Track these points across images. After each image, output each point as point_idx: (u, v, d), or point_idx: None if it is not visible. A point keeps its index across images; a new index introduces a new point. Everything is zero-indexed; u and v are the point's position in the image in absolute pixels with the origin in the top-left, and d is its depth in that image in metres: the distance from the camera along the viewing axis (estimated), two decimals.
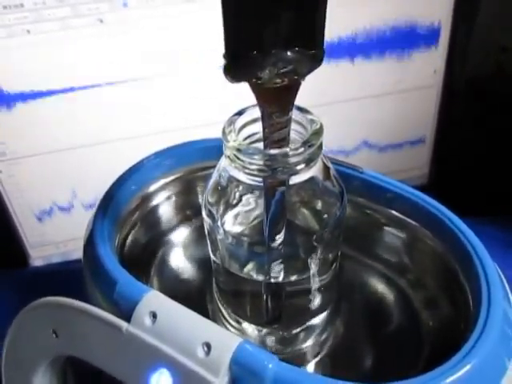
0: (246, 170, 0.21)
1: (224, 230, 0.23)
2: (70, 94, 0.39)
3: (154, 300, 0.21)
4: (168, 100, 0.41)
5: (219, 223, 0.23)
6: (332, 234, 0.23)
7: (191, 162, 0.31)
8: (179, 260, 0.31)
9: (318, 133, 0.21)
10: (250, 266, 0.24)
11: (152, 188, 0.30)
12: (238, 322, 0.26)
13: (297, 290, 0.25)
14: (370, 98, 0.46)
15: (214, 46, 0.39)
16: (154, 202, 0.31)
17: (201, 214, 0.24)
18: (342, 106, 0.45)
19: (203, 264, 0.30)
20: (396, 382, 0.18)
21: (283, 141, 0.20)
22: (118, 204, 0.28)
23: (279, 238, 0.23)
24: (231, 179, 0.22)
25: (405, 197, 0.27)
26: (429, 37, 0.44)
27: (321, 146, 0.21)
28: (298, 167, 0.21)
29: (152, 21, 0.38)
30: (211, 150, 0.30)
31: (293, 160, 0.20)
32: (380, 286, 0.28)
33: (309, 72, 0.18)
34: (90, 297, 0.25)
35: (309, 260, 0.23)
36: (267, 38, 0.17)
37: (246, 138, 0.22)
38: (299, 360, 0.26)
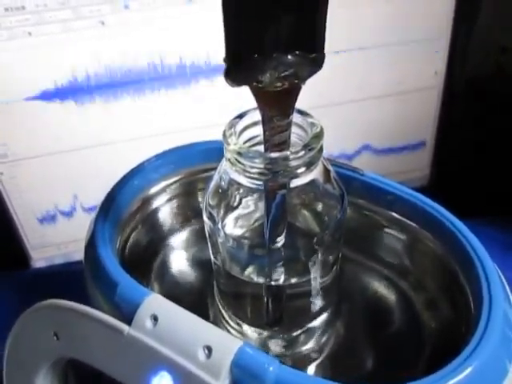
0: (247, 174, 0.21)
1: (225, 232, 0.23)
2: (72, 95, 0.39)
3: (155, 303, 0.21)
4: (169, 101, 0.41)
5: (220, 226, 0.23)
6: (333, 237, 0.23)
7: (192, 164, 0.31)
8: (180, 262, 0.31)
9: (319, 136, 0.21)
10: (250, 269, 0.24)
11: (153, 190, 0.30)
12: (239, 325, 0.26)
13: (297, 293, 0.25)
14: (370, 100, 0.46)
15: (214, 46, 0.39)
16: (155, 205, 0.31)
17: (201, 216, 0.24)
18: (342, 107, 0.45)
19: (204, 266, 0.30)
20: None
21: (284, 144, 0.20)
22: (119, 206, 0.28)
23: (280, 240, 0.23)
24: (232, 182, 0.22)
25: (405, 199, 0.27)
26: (430, 38, 0.44)
27: (321, 149, 0.21)
28: (299, 170, 0.21)
29: (153, 22, 0.38)
30: (212, 152, 0.30)
31: (293, 163, 0.20)
32: (380, 288, 0.28)
33: (309, 76, 0.18)
34: (90, 299, 0.25)
35: (309, 262, 0.23)
36: (268, 42, 0.17)
37: (246, 141, 0.22)
38: (300, 362, 0.26)
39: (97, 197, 0.43)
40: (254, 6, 0.16)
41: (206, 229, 0.24)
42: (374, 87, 0.45)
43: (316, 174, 0.22)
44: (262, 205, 0.22)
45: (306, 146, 0.21)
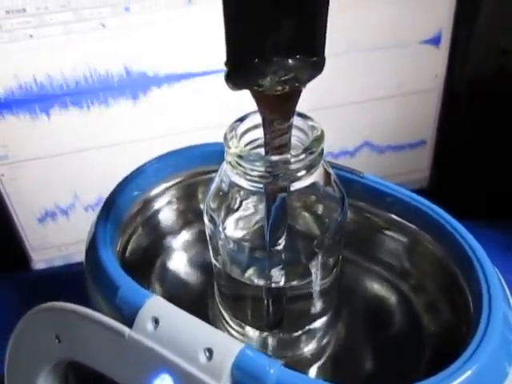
0: (248, 177, 0.21)
1: (225, 234, 0.23)
2: (72, 97, 0.39)
3: (156, 305, 0.21)
4: (169, 103, 0.41)
5: (220, 228, 0.23)
6: (333, 239, 0.23)
7: (192, 167, 0.31)
8: (180, 264, 0.31)
9: (319, 139, 0.21)
10: (251, 271, 0.24)
11: (153, 192, 0.31)
12: (240, 326, 0.26)
13: (298, 295, 0.25)
14: (371, 102, 0.46)
15: (214, 48, 0.39)
16: (156, 207, 0.31)
17: (202, 218, 0.24)
18: (343, 109, 0.46)
19: (204, 268, 0.30)
20: None
21: (284, 147, 0.20)
22: (119, 209, 0.28)
23: (280, 243, 0.23)
24: (232, 184, 0.22)
25: (404, 201, 0.27)
26: (430, 41, 0.44)
27: (322, 153, 0.21)
28: (299, 174, 0.21)
29: (154, 25, 0.38)
30: (212, 154, 0.30)
31: (294, 166, 0.20)
32: (381, 290, 0.28)
33: (310, 79, 0.19)
34: (91, 301, 0.25)
35: (310, 265, 0.23)
36: (269, 46, 0.17)
37: (247, 144, 0.23)
38: (300, 364, 0.26)
39: (97, 198, 0.44)
40: (255, 11, 0.16)
41: (207, 231, 0.24)
42: (374, 89, 0.46)
43: (316, 176, 0.22)
44: (262, 207, 0.22)
45: (307, 150, 0.21)
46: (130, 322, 0.20)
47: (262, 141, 0.21)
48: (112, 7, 0.36)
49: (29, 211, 0.42)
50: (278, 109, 0.19)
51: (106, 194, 0.27)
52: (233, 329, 0.26)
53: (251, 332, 0.26)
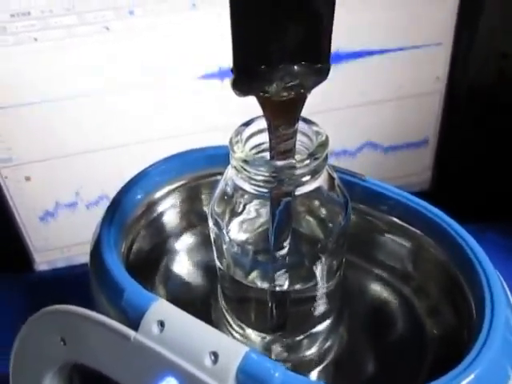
0: (252, 181, 0.21)
1: (229, 238, 0.23)
2: (76, 100, 0.39)
3: (161, 309, 0.21)
4: (173, 106, 0.42)
5: (225, 231, 0.23)
6: (337, 243, 0.24)
7: (196, 170, 0.31)
8: (184, 266, 0.31)
9: (324, 145, 0.21)
10: (254, 274, 0.24)
11: (157, 195, 0.31)
12: (242, 328, 0.26)
13: (301, 298, 0.25)
14: (373, 104, 0.46)
15: (218, 51, 0.39)
16: (159, 209, 0.31)
17: (206, 220, 0.24)
18: (344, 112, 0.46)
19: (208, 270, 0.30)
20: None
21: (289, 152, 0.21)
22: (124, 211, 0.28)
23: (284, 246, 0.23)
24: (237, 188, 0.23)
25: (406, 204, 0.27)
26: (433, 45, 0.45)
27: (326, 158, 0.21)
28: (304, 179, 0.21)
29: (158, 28, 0.38)
30: (216, 157, 0.30)
31: (299, 172, 0.21)
32: (383, 294, 0.29)
33: (315, 85, 0.19)
34: (95, 303, 0.25)
35: (313, 268, 0.24)
36: (275, 53, 0.17)
37: (252, 148, 0.23)
38: (303, 367, 0.26)
39: (100, 200, 0.44)
40: (261, 19, 0.17)
41: (212, 234, 0.24)
42: (376, 92, 0.46)
43: (321, 181, 0.22)
44: (266, 211, 0.23)
45: (312, 155, 0.21)
46: (135, 325, 0.21)
47: (267, 145, 0.21)
48: (116, 10, 0.36)
49: (32, 213, 0.43)
50: (283, 114, 0.20)
51: (109, 195, 0.27)
52: (236, 331, 0.26)
53: (254, 335, 0.26)
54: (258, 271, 0.24)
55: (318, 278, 0.24)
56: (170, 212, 0.31)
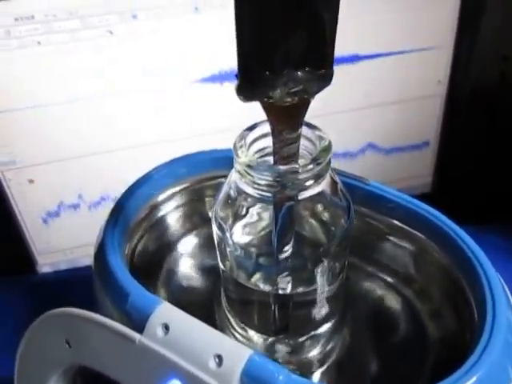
0: (256, 186, 0.21)
1: (233, 241, 0.24)
2: (78, 103, 0.39)
3: (166, 312, 0.21)
4: (176, 109, 0.42)
5: (228, 234, 0.24)
6: (339, 246, 0.24)
7: (199, 172, 0.32)
8: (187, 268, 0.31)
9: (327, 150, 0.21)
10: (257, 277, 0.25)
11: (161, 197, 0.31)
12: (245, 330, 0.26)
13: (304, 301, 0.25)
14: (374, 107, 0.46)
15: (220, 55, 0.40)
16: (163, 212, 0.31)
17: (209, 222, 0.25)
18: (346, 114, 0.46)
19: (210, 272, 0.30)
20: None
21: (292, 156, 0.21)
22: (127, 214, 0.28)
23: (287, 250, 0.23)
24: (240, 192, 0.23)
25: (409, 207, 0.27)
26: (434, 48, 0.45)
27: (329, 163, 0.22)
28: (307, 183, 0.21)
29: (161, 32, 0.38)
30: (219, 160, 0.31)
31: (302, 176, 0.21)
32: (385, 296, 0.29)
33: (318, 91, 0.19)
34: (99, 306, 0.25)
35: (316, 271, 0.24)
36: (279, 59, 0.17)
37: (256, 152, 0.23)
38: (305, 369, 0.26)
39: (102, 203, 0.44)
40: (266, 26, 0.17)
41: (215, 237, 0.25)
42: (378, 95, 0.46)
43: (324, 185, 0.22)
44: (270, 214, 0.23)
45: (315, 160, 0.21)
46: (139, 328, 0.21)
47: (271, 149, 0.22)
48: (119, 14, 0.36)
49: (35, 215, 0.43)
50: (287, 119, 0.20)
51: (111, 197, 0.28)
52: (238, 333, 0.27)
53: (256, 336, 0.26)
54: (261, 274, 0.24)
55: (321, 281, 0.24)
56: (173, 214, 0.32)
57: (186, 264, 0.31)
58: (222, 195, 0.24)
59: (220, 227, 0.24)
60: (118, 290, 0.23)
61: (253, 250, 0.24)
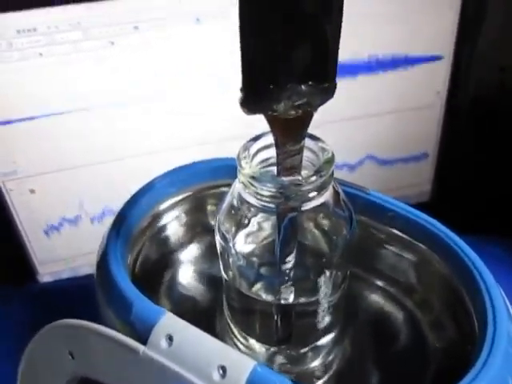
0: (259, 196, 0.21)
1: (235, 250, 0.24)
2: (79, 113, 0.39)
3: (170, 323, 0.21)
4: (177, 118, 0.42)
5: (231, 244, 0.24)
6: (341, 257, 0.24)
7: (201, 181, 0.32)
8: (189, 277, 0.31)
9: (330, 162, 0.21)
10: (260, 287, 0.25)
11: (162, 207, 0.31)
12: (247, 340, 0.26)
13: (306, 311, 0.25)
14: (374, 117, 0.47)
15: (222, 64, 0.40)
16: (165, 221, 0.31)
17: (211, 231, 0.25)
18: (346, 124, 0.46)
19: (212, 281, 0.30)
20: None
21: (296, 167, 0.21)
22: (129, 224, 0.28)
23: (290, 260, 0.23)
24: (244, 202, 0.23)
25: (409, 218, 0.27)
26: (433, 59, 0.45)
27: (332, 174, 0.22)
28: (311, 195, 0.21)
29: (162, 42, 0.38)
30: (221, 169, 0.31)
31: (305, 188, 0.21)
32: (386, 306, 0.29)
33: (321, 104, 0.19)
34: (102, 316, 0.25)
35: (318, 281, 0.24)
36: (283, 73, 0.18)
37: (260, 163, 0.23)
38: (307, 379, 0.26)
39: (104, 212, 0.44)
40: (270, 42, 0.17)
41: (218, 246, 0.25)
42: (377, 105, 0.46)
43: (326, 196, 0.22)
44: (273, 224, 0.23)
45: (318, 172, 0.21)
46: (143, 339, 0.21)
47: (274, 159, 0.22)
48: (121, 25, 0.37)
49: (36, 225, 0.43)
50: (290, 131, 0.20)
51: (112, 207, 0.28)
52: (240, 342, 0.27)
53: (258, 346, 0.26)
54: (264, 284, 0.25)
55: (323, 291, 0.24)
56: (175, 224, 0.32)
57: (188, 273, 0.31)
58: (225, 205, 0.24)
59: (223, 237, 0.24)
60: (121, 301, 0.23)
61: (255, 259, 0.24)
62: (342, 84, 0.45)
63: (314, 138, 0.23)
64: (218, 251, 0.25)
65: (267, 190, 0.21)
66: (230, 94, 0.41)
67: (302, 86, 0.18)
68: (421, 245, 0.27)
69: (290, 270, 0.23)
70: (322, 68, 0.18)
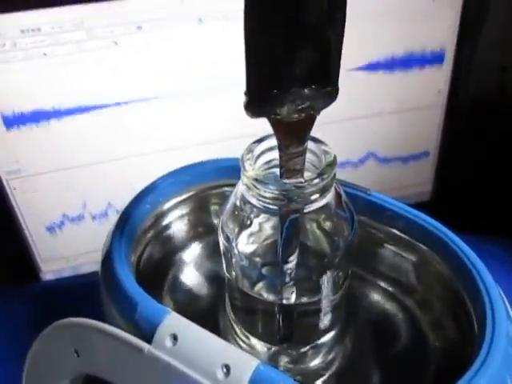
0: (262, 198, 0.22)
1: (238, 250, 0.24)
2: (83, 113, 0.40)
3: (174, 322, 0.21)
4: (180, 118, 0.42)
5: (234, 244, 0.24)
6: (343, 257, 0.24)
7: (204, 181, 0.32)
8: (192, 277, 0.31)
9: (332, 164, 0.22)
10: (262, 287, 0.25)
11: (166, 207, 0.31)
12: (249, 339, 0.26)
13: (308, 310, 0.25)
14: (375, 116, 0.47)
15: (225, 64, 0.40)
16: (168, 221, 0.31)
17: (214, 231, 0.25)
18: (347, 124, 0.46)
19: (215, 280, 0.31)
20: None
21: (298, 169, 0.21)
22: (133, 223, 0.28)
23: (292, 260, 0.23)
24: (247, 203, 0.23)
25: (409, 218, 0.27)
26: (434, 59, 0.45)
27: (334, 177, 0.22)
28: (313, 197, 0.21)
29: (165, 42, 0.38)
30: (224, 169, 0.31)
31: (308, 190, 0.21)
32: (386, 306, 0.29)
33: (324, 107, 0.19)
34: (106, 315, 0.25)
35: (320, 282, 0.24)
36: (286, 78, 0.18)
37: (263, 164, 0.23)
38: (308, 377, 0.26)
39: (106, 211, 0.44)
40: (274, 47, 0.17)
41: (221, 246, 0.25)
42: (379, 105, 0.46)
43: (328, 198, 0.22)
44: (276, 225, 0.23)
45: (320, 175, 0.21)
46: (147, 338, 0.21)
47: (277, 161, 0.22)
48: (124, 26, 0.37)
49: (39, 223, 0.43)
50: (293, 134, 0.20)
51: (115, 206, 0.28)
52: (242, 341, 0.27)
53: (260, 345, 0.26)
54: (266, 284, 0.25)
55: (325, 291, 0.24)
56: (178, 223, 0.32)
57: (191, 272, 0.32)
58: (228, 206, 0.24)
59: (226, 237, 0.24)
60: (126, 300, 0.23)
61: (258, 259, 0.24)
62: (344, 84, 0.45)
63: (316, 140, 0.23)
64: (221, 251, 0.25)
65: (270, 192, 0.21)
66: (232, 94, 0.41)
67: (305, 90, 0.18)
68: (421, 245, 0.27)
69: (292, 270, 0.23)
70: (324, 72, 0.19)
